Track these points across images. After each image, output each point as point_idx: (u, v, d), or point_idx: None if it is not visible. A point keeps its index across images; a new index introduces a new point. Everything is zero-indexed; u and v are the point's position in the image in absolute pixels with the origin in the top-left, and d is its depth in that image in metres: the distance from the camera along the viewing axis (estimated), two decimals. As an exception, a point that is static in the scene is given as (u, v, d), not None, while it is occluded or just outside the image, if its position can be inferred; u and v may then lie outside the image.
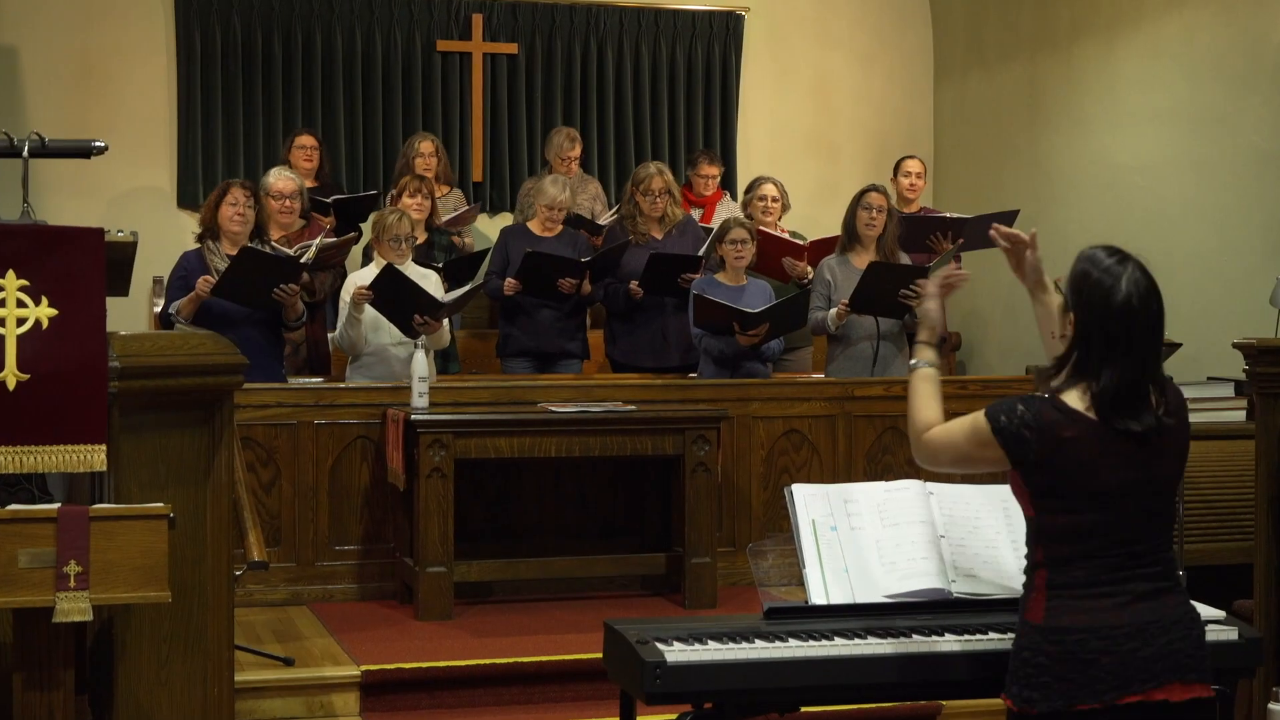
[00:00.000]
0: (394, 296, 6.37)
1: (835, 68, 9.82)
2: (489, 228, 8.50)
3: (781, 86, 9.73)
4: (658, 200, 7.29)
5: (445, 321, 6.62)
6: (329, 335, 7.23)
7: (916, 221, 7.60)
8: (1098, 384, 2.94)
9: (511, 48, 9.17)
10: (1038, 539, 3.01)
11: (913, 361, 3.26)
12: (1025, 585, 3.04)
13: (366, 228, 7.66)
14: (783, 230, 7.84)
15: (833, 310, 6.78)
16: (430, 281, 6.61)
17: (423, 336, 6.34)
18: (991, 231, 3.38)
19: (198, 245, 6.31)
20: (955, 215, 7.75)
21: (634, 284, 7.10)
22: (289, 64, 8.81)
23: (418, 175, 7.60)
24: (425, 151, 7.97)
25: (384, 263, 6.52)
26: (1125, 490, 2.95)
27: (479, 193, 8.96)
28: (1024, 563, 3.06)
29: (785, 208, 7.89)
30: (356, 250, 7.62)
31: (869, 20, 9.87)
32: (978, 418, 3.02)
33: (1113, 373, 2.93)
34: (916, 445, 3.16)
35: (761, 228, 7.40)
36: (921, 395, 3.18)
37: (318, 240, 6.50)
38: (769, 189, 7.81)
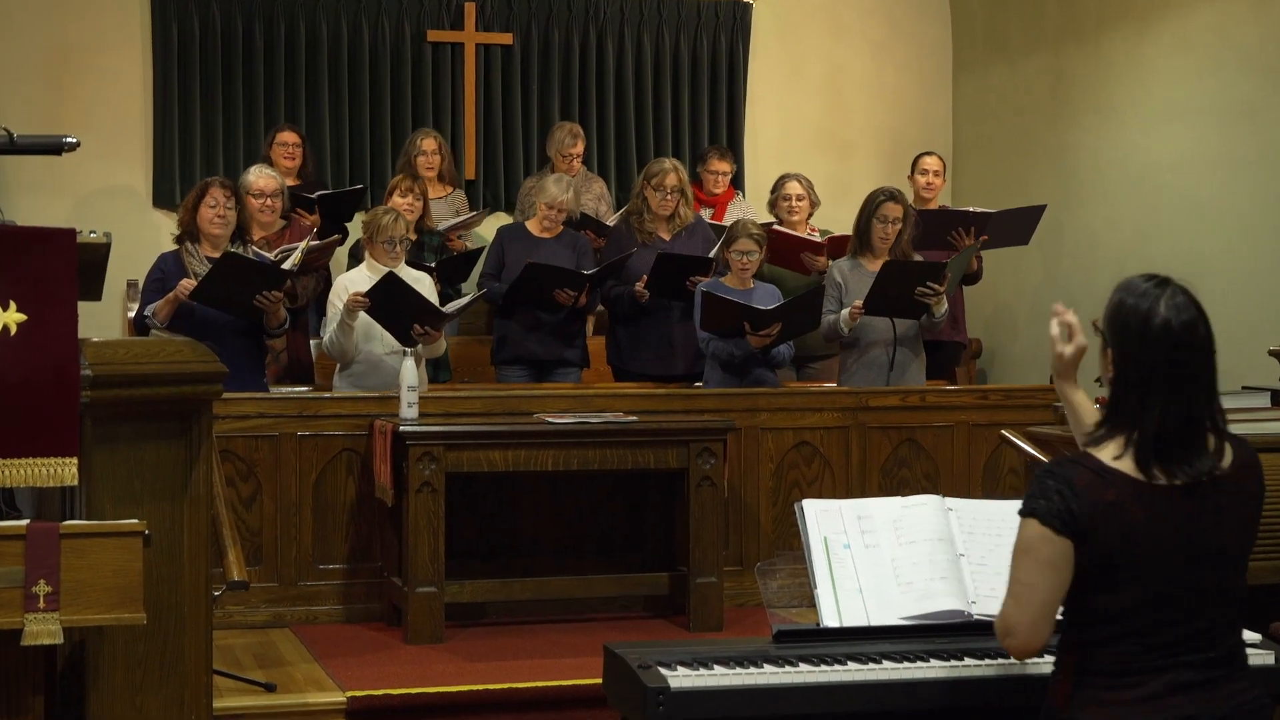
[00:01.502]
0: (393, 305, 6.35)
1: (848, 60, 9.83)
2: (483, 227, 8.49)
3: (791, 79, 9.74)
4: (669, 198, 7.28)
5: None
6: (311, 342, 7.23)
7: (937, 216, 7.60)
8: (1139, 430, 2.74)
9: (506, 38, 9.17)
10: (1073, 620, 2.80)
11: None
12: (1056, 663, 2.87)
13: (353, 227, 7.66)
14: (812, 229, 7.83)
15: (845, 311, 6.78)
16: (424, 285, 6.61)
17: (417, 344, 6.33)
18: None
19: (175, 247, 6.32)
20: (978, 210, 7.74)
21: (639, 285, 7.09)
22: (271, 56, 8.81)
23: (410, 174, 7.59)
24: (428, 149, 7.94)
25: (376, 265, 6.51)
26: (1179, 560, 2.74)
27: (471, 190, 8.94)
28: None
29: (814, 204, 7.88)
30: (341, 251, 7.62)
31: (883, 9, 9.87)
32: (1020, 532, 2.77)
33: (1156, 411, 2.73)
34: (1002, 638, 2.85)
35: (776, 227, 7.40)
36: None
37: (303, 244, 6.49)
38: (793, 187, 7.80)
